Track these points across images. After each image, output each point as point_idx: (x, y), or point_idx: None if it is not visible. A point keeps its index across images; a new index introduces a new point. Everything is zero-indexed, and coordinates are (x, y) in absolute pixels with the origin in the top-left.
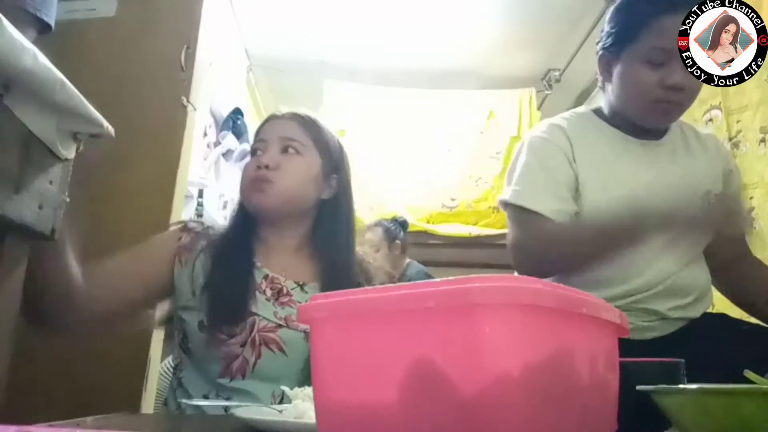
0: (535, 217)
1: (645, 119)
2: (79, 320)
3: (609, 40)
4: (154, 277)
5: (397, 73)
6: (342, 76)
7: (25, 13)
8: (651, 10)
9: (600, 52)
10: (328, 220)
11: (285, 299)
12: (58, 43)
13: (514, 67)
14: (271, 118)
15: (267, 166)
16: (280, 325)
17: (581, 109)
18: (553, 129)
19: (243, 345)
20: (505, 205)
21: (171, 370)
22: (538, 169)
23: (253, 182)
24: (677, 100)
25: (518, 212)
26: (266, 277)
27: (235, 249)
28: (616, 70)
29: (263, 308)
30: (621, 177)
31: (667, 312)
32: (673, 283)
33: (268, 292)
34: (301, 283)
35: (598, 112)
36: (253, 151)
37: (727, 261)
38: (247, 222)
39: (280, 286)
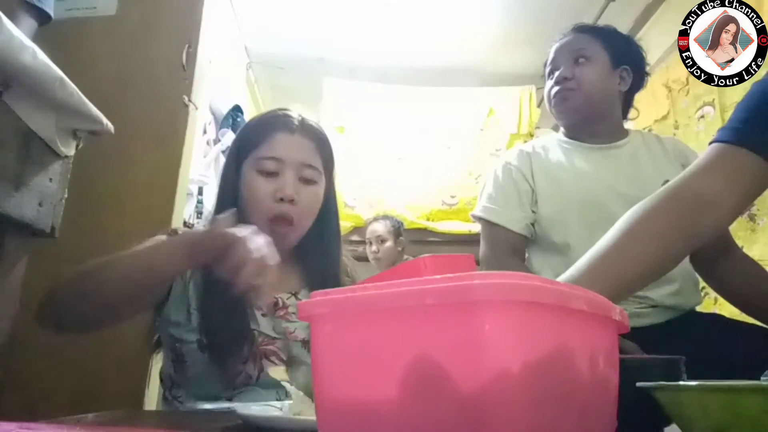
0: (496, 228)
1: (556, 114)
2: (100, 325)
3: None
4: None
5: (397, 71)
6: (341, 74)
7: (23, 4)
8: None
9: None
10: (317, 229)
11: (281, 312)
12: (59, 41)
13: (513, 64)
14: (284, 129)
15: (291, 201)
16: (278, 338)
17: (555, 133)
18: (518, 153)
19: (245, 362)
20: (477, 219)
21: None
22: (500, 188)
23: (275, 220)
24: (567, 87)
25: (484, 225)
26: None
27: None
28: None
29: (260, 324)
30: (575, 178)
31: (657, 298)
32: None
33: (264, 307)
34: (293, 292)
35: (566, 132)
36: (260, 163)
37: (710, 256)
38: None
39: (274, 299)
